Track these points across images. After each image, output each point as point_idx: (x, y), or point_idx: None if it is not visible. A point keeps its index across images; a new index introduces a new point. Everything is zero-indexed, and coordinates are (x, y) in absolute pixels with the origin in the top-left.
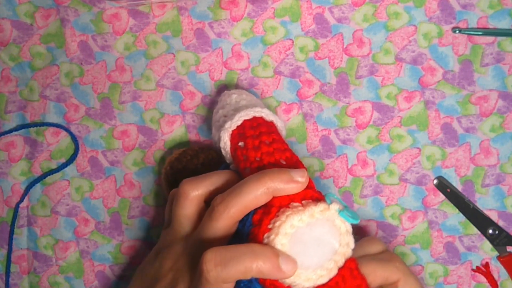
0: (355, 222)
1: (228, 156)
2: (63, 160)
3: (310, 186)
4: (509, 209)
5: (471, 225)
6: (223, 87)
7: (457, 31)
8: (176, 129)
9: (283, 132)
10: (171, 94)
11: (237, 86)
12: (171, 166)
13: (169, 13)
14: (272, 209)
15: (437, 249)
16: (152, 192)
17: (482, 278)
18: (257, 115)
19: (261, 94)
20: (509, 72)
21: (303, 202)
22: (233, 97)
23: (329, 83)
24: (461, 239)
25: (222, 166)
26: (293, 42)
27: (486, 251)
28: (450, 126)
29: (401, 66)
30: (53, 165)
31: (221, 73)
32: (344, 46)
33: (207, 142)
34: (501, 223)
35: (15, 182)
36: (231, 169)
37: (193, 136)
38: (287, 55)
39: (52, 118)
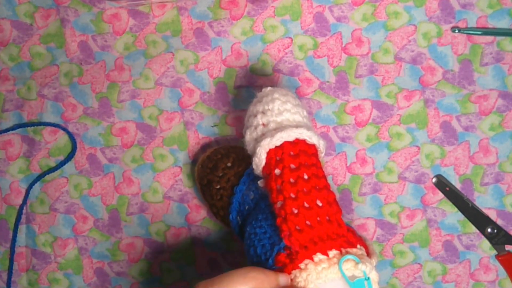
0: None
1: (259, 171)
2: (61, 158)
3: (341, 234)
4: (508, 208)
5: (470, 223)
6: (222, 85)
7: (457, 31)
8: (175, 126)
9: (323, 154)
10: (170, 91)
11: (235, 84)
12: (202, 164)
13: (169, 13)
14: (296, 261)
15: (436, 248)
16: (151, 189)
17: (481, 277)
18: (300, 137)
19: (259, 91)
20: (509, 71)
21: (330, 254)
22: (277, 104)
23: (328, 81)
24: (459, 238)
25: (248, 171)
26: (292, 40)
27: (484, 249)
28: (449, 124)
29: (401, 66)
30: (52, 163)
31: (220, 71)
32: (343, 45)
33: (206, 139)
34: (499, 222)
35: (13, 180)
36: (259, 184)
37: (191, 133)
38: (286, 53)
39: (49, 117)
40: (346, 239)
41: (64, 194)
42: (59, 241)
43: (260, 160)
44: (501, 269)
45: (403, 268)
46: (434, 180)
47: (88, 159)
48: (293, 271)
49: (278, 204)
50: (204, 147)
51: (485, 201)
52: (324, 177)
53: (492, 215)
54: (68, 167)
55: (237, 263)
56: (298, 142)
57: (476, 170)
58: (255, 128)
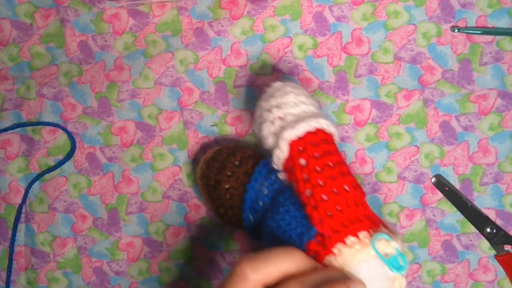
0: (398, 271)
1: (279, 164)
2: (60, 157)
3: (368, 214)
4: (507, 208)
5: (469, 223)
6: (221, 84)
7: (456, 30)
8: (174, 125)
9: (337, 143)
10: (170, 90)
11: (235, 83)
12: (206, 165)
13: (169, 13)
14: (329, 245)
15: (435, 248)
16: (150, 188)
17: (480, 277)
18: (319, 126)
19: (258, 91)
20: (508, 71)
21: (360, 236)
22: (291, 96)
23: (327, 81)
24: (459, 238)
25: (262, 164)
26: (291, 40)
27: (483, 249)
28: (449, 124)
29: (400, 65)
30: (51, 162)
31: (220, 70)
32: (343, 45)
33: (205, 138)
34: (499, 221)
35: (13, 179)
36: (279, 177)
37: (191, 132)
38: (286, 53)
39: (48, 116)
40: (372, 219)
41: (63, 193)
42: (58, 240)
43: (282, 152)
44: (500, 269)
45: None
46: (433, 180)
47: (88, 158)
48: (326, 257)
49: (307, 193)
50: (203, 147)
51: (484, 201)
52: (346, 163)
53: (491, 215)
54: (68, 166)
55: None
56: (317, 132)
57: (476, 170)
58: (272, 122)
